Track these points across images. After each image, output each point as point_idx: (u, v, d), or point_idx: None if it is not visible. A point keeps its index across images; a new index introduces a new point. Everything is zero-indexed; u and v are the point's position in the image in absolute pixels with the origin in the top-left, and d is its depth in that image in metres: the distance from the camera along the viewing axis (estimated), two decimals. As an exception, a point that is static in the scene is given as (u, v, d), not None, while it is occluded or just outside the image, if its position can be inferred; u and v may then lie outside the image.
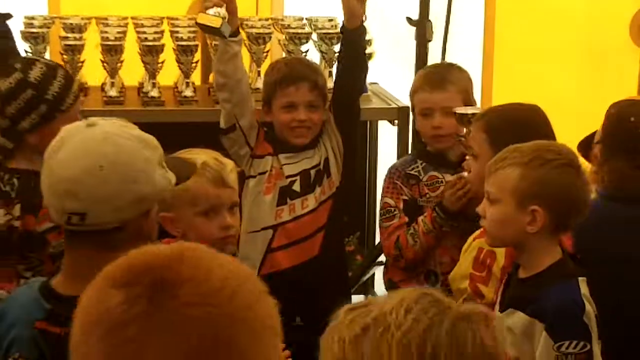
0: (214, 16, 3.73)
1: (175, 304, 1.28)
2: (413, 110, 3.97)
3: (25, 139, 3.17)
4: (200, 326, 1.27)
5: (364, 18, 3.93)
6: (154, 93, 4.69)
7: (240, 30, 4.43)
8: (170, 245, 1.39)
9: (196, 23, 3.84)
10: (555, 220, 2.89)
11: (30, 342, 2.27)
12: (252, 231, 3.90)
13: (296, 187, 3.93)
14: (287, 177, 3.94)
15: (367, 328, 1.57)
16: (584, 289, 2.90)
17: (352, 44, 3.95)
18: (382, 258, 4.57)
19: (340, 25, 4.15)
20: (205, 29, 3.82)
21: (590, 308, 2.86)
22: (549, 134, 3.28)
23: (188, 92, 4.70)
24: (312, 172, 3.96)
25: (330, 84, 4.20)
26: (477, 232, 3.30)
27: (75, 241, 2.38)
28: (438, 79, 3.84)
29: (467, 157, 3.48)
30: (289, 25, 4.85)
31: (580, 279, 2.91)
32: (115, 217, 2.36)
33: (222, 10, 3.72)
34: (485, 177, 2.99)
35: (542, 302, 2.87)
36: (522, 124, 3.31)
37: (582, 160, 3.42)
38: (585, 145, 3.65)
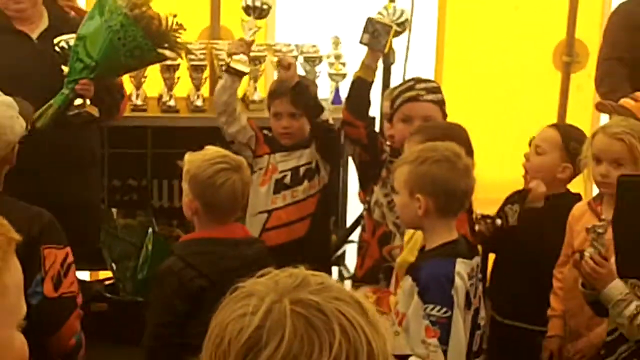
0: (244, 63, 3.95)
1: None
2: (390, 119, 3.89)
3: None
4: None
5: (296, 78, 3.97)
6: (171, 103, 4.76)
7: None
8: None
9: (229, 66, 3.99)
10: (437, 205, 2.95)
11: None
12: (251, 215, 4.08)
13: (287, 180, 4.09)
14: (281, 171, 4.10)
15: None
16: (462, 269, 2.94)
17: (299, 97, 3.99)
18: (352, 237, 4.82)
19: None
20: (233, 70, 3.98)
21: (461, 284, 2.91)
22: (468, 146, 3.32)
23: (199, 102, 4.77)
24: (302, 169, 4.10)
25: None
26: None
27: None
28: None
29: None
30: (280, 49, 4.89)
31: (460, 260, 2.95)
32: None
33: (244, 57, 3.98)
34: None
35: (421, 271, 2.94)
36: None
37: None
38: None
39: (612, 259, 2.97)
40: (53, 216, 3.04)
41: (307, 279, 1.31)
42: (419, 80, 3.84)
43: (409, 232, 3.38)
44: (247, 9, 4.09)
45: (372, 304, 1.30)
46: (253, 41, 4.06)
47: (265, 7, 4.12)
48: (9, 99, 2.98)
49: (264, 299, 1.27)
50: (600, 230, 2.96)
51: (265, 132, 4.17)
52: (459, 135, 3.38)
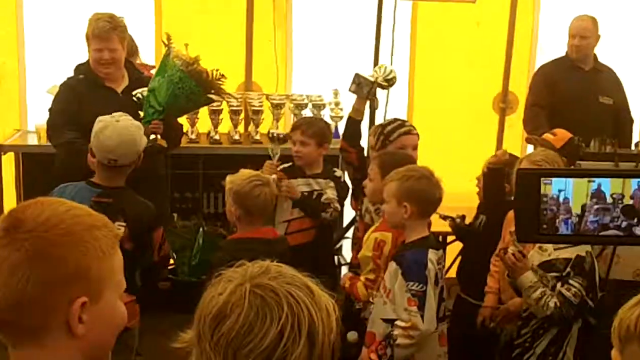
0: (274, 181, 3.84)
1: (18, 235, 1.31)
2: (384, 146, 3.90)
3: None
4: (32, 244, 1.28)
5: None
6: (217, 137, 5.14)
7: (265, 101, 5.07)
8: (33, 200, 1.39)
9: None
10: (419, 210, 3.11)
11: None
12: (277, 223, 4.24)
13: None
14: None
15: None
16: (432, 256, 3.10)
17: (302, 206, 4.11)
18: (348, 234, 4.96)
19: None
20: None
21: (432, 267, 3.08)
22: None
23: (236, 137, 5.19)
24: (315, 192, 4.27)
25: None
26: (373, 227, 3.52)
27: (113, 169, 3.34)
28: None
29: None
30: (295, 98, 5.21)
31: (431, 250, 3.13)
32: (130, 160, 3.34)
33: (275, 176, 4.09)
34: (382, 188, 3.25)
35: (403, 258, 3.11)
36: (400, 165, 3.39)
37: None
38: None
39: (529, 254, 3.22)
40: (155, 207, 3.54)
41: (269, 269, 1.42)
42: (402, 120, 4.12)
43: (367, 234, 3.52)
44: (272, 138, 4.35)
45: (319, 287, 1.43)
46: (280, 163, 4.26)
47: (285, 136, 4.41)
48: (137, 122, 3.48)
49: (232, 282, 1.41)
50: None
51: (289, 164, 4.38)
52: (409, 161, 3.57)
